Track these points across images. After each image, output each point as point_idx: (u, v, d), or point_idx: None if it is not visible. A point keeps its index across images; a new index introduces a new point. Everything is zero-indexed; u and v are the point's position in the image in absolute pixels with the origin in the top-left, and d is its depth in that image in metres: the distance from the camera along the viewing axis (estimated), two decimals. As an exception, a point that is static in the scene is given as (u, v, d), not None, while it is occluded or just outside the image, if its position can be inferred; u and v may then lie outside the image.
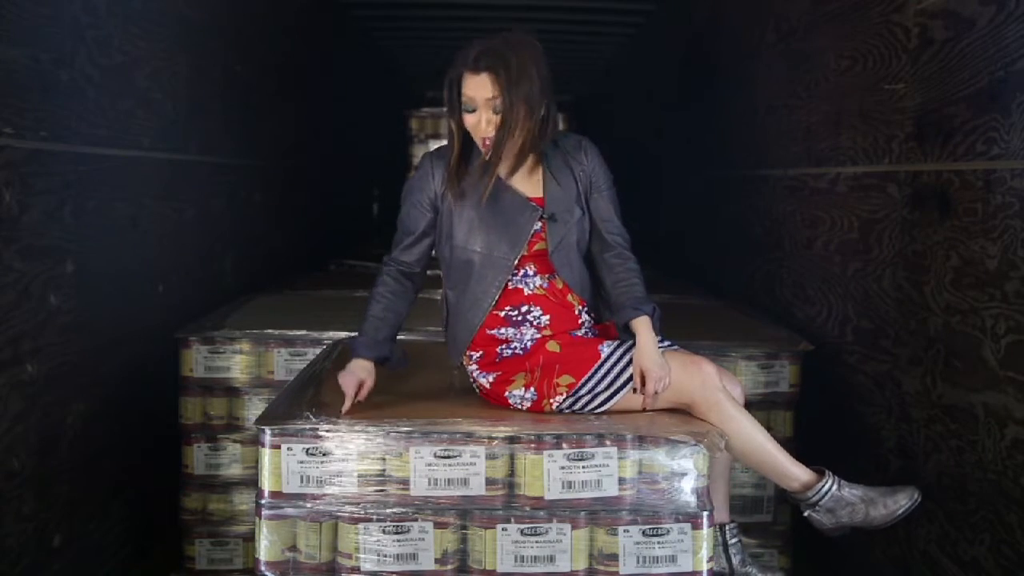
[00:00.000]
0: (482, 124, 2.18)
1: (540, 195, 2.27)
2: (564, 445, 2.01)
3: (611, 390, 2.15)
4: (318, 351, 2.86)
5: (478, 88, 2.17)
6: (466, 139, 2.26)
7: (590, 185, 2.32)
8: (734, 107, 4.31)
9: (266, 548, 2.00)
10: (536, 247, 2.25)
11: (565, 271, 2.26)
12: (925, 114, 2.51)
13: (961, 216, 2.32)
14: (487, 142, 2.19)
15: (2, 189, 2.27)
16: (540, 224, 2.24)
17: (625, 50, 7.75)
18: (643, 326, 2.19)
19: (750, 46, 4.07)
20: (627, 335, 2.22)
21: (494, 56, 2.16)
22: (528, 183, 2.28)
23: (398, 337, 2.36)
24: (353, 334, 2.92)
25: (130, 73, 2.98)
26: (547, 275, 2.27)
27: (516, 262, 2.23)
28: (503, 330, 2.25)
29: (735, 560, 2.34)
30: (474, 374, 2.27)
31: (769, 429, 2.28)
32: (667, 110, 5.99)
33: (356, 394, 2.16)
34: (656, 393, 2.12)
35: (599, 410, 2.16)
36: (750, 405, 2.41)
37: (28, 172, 2.38)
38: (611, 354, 2.18)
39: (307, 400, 2.18)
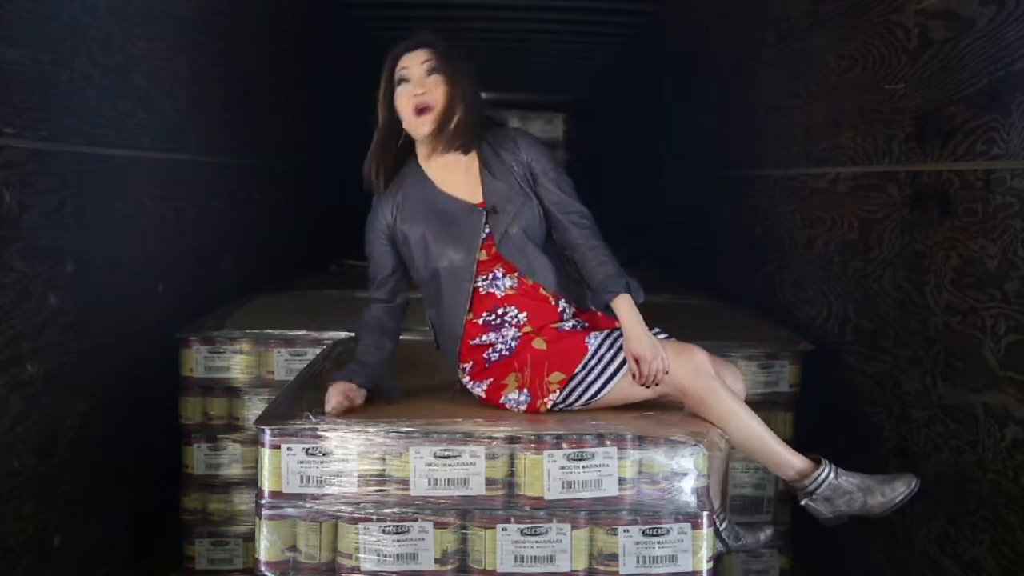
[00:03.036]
0: (416, 90, 2.18)
1: (480, 195, 2.25)
2: (564, 445, 2.00)
3: (602, 380, 2.13)
4: (318, 351, 2.85)
5: (413, 60, 2.21)
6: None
7: (531, 175, 2.27)
8: (734, 107, 4.31)
9: (266, 548, 2.00)
10: (495, 249, 2.22)
11: (520, 261, 2.22)
12: (925, 114, 2.51)
13: (961, 216, 2.32)
14: (422, 112, 2.18)
15: (2, 189, 2.27)
16: (487, 223, 2.22)
17: (625, 50, 7.75)
18: (623, 305, 2.14)
19: (750, 46, 4.07)
20: (612, 315, 2.19)
21: (428, 36, 2.26)
22: (465, 185, 2.26)
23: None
24: (353, 334, 2.93)
25: (130, 73, 2.98)
26: (515, 274, 2.23)
27: (475, 266, 2.21)
28: (485, 336, 2.23)
29: (728, 539, 2.35)
30: (468, 386, 2.26)
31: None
32: (667, 110, 5.99)
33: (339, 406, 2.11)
34: (657, 375, 2.08)
35: (594, 401, 2.15)
36: (751, 405, 2.40)
37: (28, 172, 2.38)
38: (599, 346, 2.16)
39: (307, 400, 2.17)
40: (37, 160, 2.42)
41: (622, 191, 7.51)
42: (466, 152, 2.27)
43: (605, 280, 2.18)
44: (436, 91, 2.19)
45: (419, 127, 2.21)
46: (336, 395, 2.12)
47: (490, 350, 2.23)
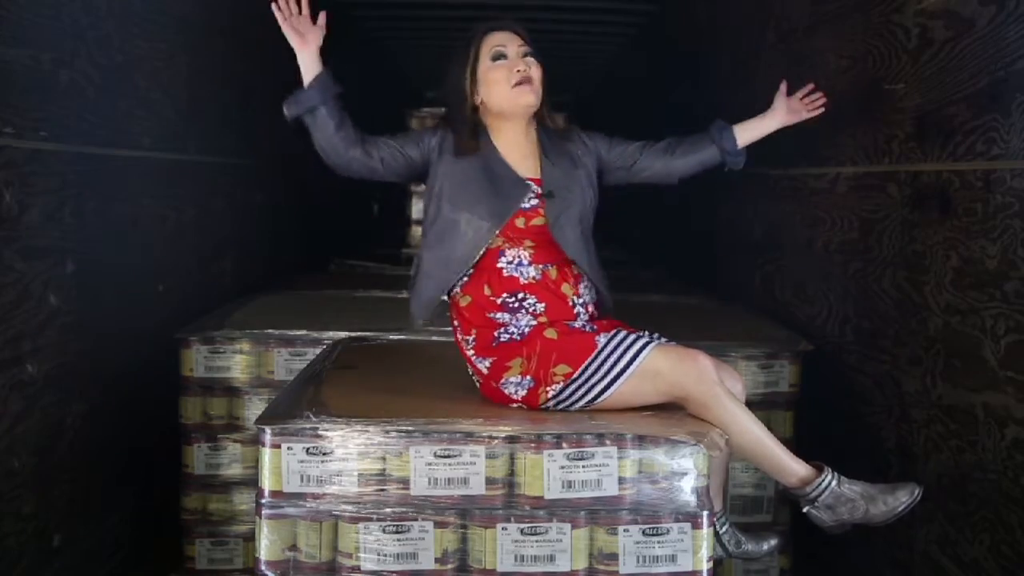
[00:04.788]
0: (520, 65, 2.31)
1: (537, 176, 2.35)
2: (564, 444, 2.00)
3: (606, 381, 2.14)
4: (318, 351, 2.85)
5: (509, 40, 2.34)
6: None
7: (598, 153, 2.47)
8: (734, 107, 4.30)
9: (266, 547, 2.00)
10: (533, 221, 2.30)
11: (568, 244, 2.31)
12: (925, 114, 2.51)
13: (961, 216, 2.33)
14: (524, 84, 2.30)
15: (2, 189, 2.28)
16: (537, 201, 2.31)
17: (626, 50, 7.76)
18: (738, 127, 2.59)
19: (750, 46, 4.08)
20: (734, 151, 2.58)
21: (516, 24, 2.39)
22: (522, 162, 2.36)
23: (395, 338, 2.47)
24: (354, 334, 2.95)
25: (130, 73, 2.98)
26: (540, 265, 2.30)
27: (497, 232, 2.27)
28: (500, 315, 2.27)
29: (729, 545, 2.35)
30: (472, 359, 2.28)
31: (769, 429, 2.28)
32: (667, 110, 5.99)
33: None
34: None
35: (596, 402, 2.16)
36: (750, 405, 2.40)
37: (28, 172, 2.39)
38: (607, 344, 2.17)
39: (307, 400, 2.17)
40: (37, 160, 2.43)
41: (622, 190, 7.51)
42: (531, 135, 2.39)
43: (709, 131, 2.62)
44: (533, 72, 2.33)
45: (521, 96, 2.32)
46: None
47: (501, 329, 2.26)
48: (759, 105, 3.88)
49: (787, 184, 3.58)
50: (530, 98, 2.32)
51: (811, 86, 2.66)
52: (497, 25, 2.37)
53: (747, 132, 2.61)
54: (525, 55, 2.34)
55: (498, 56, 2.33)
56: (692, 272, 4.90)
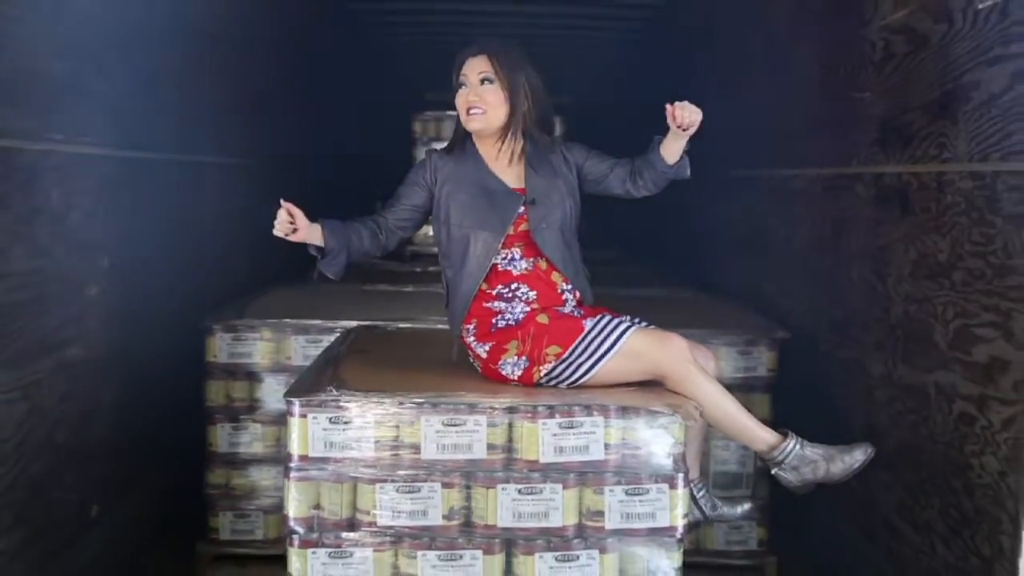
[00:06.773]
0: (470, 95, 2.50)
1: (522, 186, 2.57)
2: (556, 415, 2.23)
3: (592, 360, 2.37)
4: (332, 338, 3.07)
5: (472, 67, 2.53)
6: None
7: (577, 166, 2.62)
8: (723, 110, 4.49)
9: (295, 506, 2.23)
10: (521, 227, 2.53)
11: (548, 248, 2.52)
12: (888, 120, 2.74)
13: (918, 214, 2.56)
14: (472, 112, 2.50)
15: (51, 190, 2.51)
16: (523, 208, 2.53)
17: (624, 53, 7.93)
18: (663, 146, 2.55)
19: (740, 54, 4.28)
20: (665, 158, 2.58)
21: (491, 43, 2.56)
22: (509, 172, 2.58)
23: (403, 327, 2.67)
24: (364, 323, 3.17)
25: (160, 83, 3.21)
26: (531, 258, 2.53)
27: (503, 241, 2.50)
28: (496, 304, 2.51)
29: (706, 508, 2.58)
30: (472, 345, 2.52)
31: (749, 410, 2.47)
32: (663, 113, 6.17)
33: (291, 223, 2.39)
34: (692, 114, 2.42)
35: (583, 379, 2.38)
36: (732, 388, 2.59)
37: (72, 174, 2.61)
38: (594, 327, 2.40)
39: (328, 377, 2.40)
40: (80, 163, 2.65)
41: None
42: (515, 146, 2.58)
43: (647, 154, 2.60)
44: (487, 97, 2.50)
45: (468, 123, 2.54)
46: (284, 212, 2.38)
47: (498, 317, 2.49)
48: (744, 109, 4.11)
49: (771, 185, 3.79)
50: (475, 126, 2.51)
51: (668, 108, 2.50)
52: (467, 52, 2.54)
53: (668, 149, 2.60)
54: (483, 81, 2.49)
55: (459, 86, 2.53)
56: (683, 268, 5.09)
